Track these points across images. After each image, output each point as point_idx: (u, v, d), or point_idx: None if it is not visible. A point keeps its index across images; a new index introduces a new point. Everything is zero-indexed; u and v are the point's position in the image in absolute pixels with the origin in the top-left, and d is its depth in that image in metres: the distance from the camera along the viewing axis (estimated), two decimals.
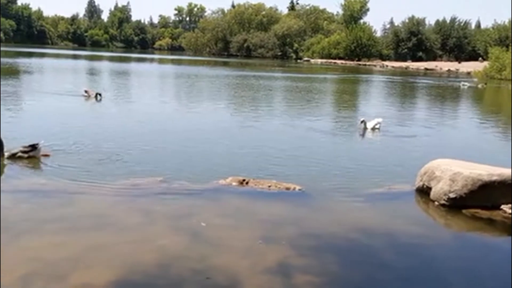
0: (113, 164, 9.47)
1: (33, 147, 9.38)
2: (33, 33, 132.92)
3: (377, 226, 6.97)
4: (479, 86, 41.98)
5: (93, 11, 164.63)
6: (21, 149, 9.34)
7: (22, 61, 47.89)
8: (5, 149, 9.31)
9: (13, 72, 33.97)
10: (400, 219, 7.35)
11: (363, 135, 14.30)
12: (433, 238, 6.76)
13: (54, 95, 20.61)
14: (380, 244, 6.35)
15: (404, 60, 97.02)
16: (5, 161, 9.14)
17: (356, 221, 7.09)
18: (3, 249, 5.47)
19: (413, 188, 8.60)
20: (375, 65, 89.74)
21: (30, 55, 64.88)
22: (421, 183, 8.38)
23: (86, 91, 19.54)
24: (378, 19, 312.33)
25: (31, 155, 9.33)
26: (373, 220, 7.21)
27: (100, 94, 19.14)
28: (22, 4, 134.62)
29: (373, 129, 14.59)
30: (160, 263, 5.38)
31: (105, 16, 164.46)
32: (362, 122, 14.65)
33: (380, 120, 14.91)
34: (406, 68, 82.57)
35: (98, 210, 6.96)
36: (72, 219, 6.59)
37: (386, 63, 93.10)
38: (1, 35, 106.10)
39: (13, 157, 9.24)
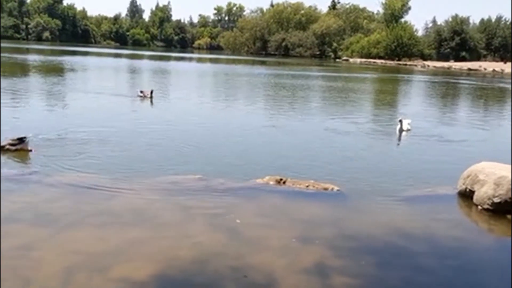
0: (153, 161, 9.68)
1: (21, 140, 9.67)
2: (77, 32, 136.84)
3: (417, 229, 6.83)
4: None
5: (135, 10, 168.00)
6: (10, 141, 9.62)
7: (73, 60, 49.42)
8: None
9: (65, 71, 35.11)
10: (441, 223, 7.18)
11: (399, 135, 14.01)
12: (475, 243, 6.57)
13: (113, 96, 20.97)
14: (419, 248, 6.22)
15: (447, 60, 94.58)
16: None
17: (395, 223, 6.97)
18: (47, 242, 5.68)
19: (455, 191, 8.38)
20: (416, 65, 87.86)
21: (83, 54, 66.86)
22: (463, 187, 8.16)
23: (141, 92, 19.75)
24: (419, 18, 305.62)
25: (18, 148, 9.60)
26: (413, 222, 7.07)
27: (152, 94, 19.37)
28: (67, 4, 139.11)
29: (407, 130, 14.21)
30: (198, 260, 5.44)
31: (146, 16, 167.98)
32: (399, 121, 14.36)
33: (409, 121, 14.51)
34: (448, 68, 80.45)
35: (137, 206, 7.10)
36: (113, 213, 6.76)
37: (427, 63, 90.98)
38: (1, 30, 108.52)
39: (1, 149, 9.50)
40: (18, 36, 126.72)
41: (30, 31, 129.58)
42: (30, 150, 9.69)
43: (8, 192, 7.27)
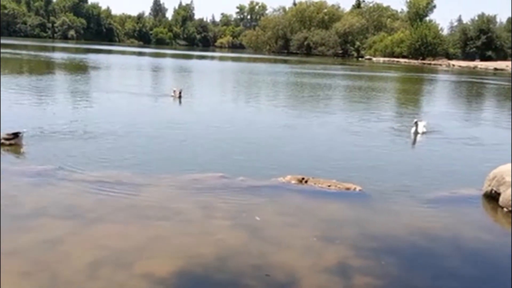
0: (176, 158, 9.80)
1: (16, 135, 9.86)
2: (102, 31, 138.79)
3: (441, 230, 6.75)
4: None
5: (158, 9, 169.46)
6: (5, 136, 9.81)
7: (101, 59, 50.17)
8: None
9: (94, 70, 35.67)
10: (466, 224, 7.08)
11: (414, 138, 13.55)
12: (501, 246, 6.45)
13: (142, 95, 21.12)
14: (444, 249, 6.15)
15: (472, 59, 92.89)
16: None
17: (418, 224, 6.90)
18: (73, 236, 5.79)
19: (480, 192, 8.24)
20: (440, 64, 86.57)
21: (108, 52, 67.78)
22: (489, 188, 8.02)
23: (174, 91, 19.70)
24: (445, 16, 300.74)
25: (12, 142, 9.80)
26: (437, 223, 6.98)
27: (181, 93, 19.35)
28: (92, 3, 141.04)
29: (423, 132, 13.76)
30: (220, 257, 5.48)
31: (169, 15, 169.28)
32: (415, 123, 13.83)
33: (424, 123, 14.05)
34: (474, 67, 79.03)
35: (160, 203, 7.17)
36: (136, 209, 6.85)
37: (452, 62, 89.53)
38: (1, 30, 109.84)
39: None
40: (45, 34, 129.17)
41: (56, 29, 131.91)
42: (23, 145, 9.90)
43: (34, 187, 7.45)
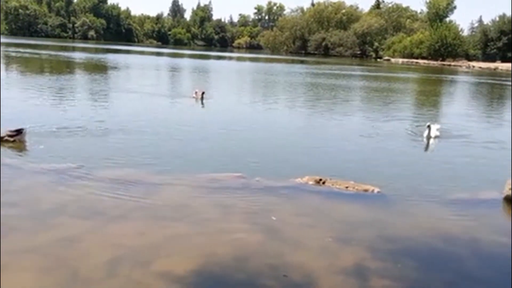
0: (195, 158, 9.86)
1: (19, 131, 10.01)
2: (121, 31, 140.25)
3: (460, 233, 6.66)
4: None
5: (176, 10, 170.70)
6: (8, 133, 9.95)
7: (123, 59, 50.72)
8: None
9: (110, 69, 36.05)
10: (485, 228, 6.97)
11: (427, 142, 13.10)
12: None
13: (164, 96, 21.25)
14: (462, 252, 6.07)
15: (493, 61, 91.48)
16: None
17: (438, 226, 6.82)
18: (92, 234, 5.87)
19: (501, 196, 8.11)
20: (460, 66, 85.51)
21: (127, 52, 68.50)
22: (510, 192, 7.89)
23: (196, 92, 19.68)
24: (465, 17, 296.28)
25: (16, 139, 9.95)
26: (456, 226, 6.89)
27: (203, 95, 19.25)
28: (112, 4, 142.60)
29: (436, 136, 13.25)
30: (237, 257, 5.49)
31: (187, 15, 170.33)
32: (428, 126, 13.37)
33: (438, 126, 13.59)
34: (494, 69, 77.82)
35: (178, 201, 7.22)
36: (154, 208, 6.90)
37: (472, 63, 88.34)
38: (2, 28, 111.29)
39: (0, 140, 9.85)
40: (65, 34, 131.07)
41: (76, 30, 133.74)
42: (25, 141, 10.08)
43: (54, 186, 7.56)
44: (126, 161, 9.19)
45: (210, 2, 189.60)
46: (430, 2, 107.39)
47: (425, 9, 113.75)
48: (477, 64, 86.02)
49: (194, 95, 19.44)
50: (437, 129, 13.45)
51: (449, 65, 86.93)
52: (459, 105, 26.25)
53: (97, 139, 11.10)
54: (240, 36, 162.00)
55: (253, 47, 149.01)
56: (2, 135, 9.97)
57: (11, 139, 9.97)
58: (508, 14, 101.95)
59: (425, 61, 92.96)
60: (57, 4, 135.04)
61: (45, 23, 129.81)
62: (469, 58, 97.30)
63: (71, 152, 9.63)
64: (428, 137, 13.22)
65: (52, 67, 35.95)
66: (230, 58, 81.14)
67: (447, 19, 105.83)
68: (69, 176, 7.99)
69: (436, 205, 7.68)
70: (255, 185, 8.07)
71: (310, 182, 8.29)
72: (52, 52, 55.20)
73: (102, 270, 4.99)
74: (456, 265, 5.74)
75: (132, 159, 9.40)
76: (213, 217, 6.72)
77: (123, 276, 4.90)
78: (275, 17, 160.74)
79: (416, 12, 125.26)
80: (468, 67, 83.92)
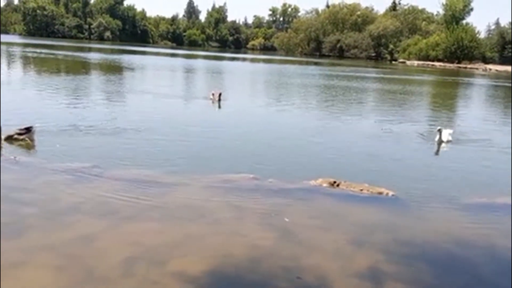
0: (209, 159, 9.89)
1: (28, 129, 10.15)
2: (136, 32, 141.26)
3: (477, 238, 6.60)
4: None
5: (191, 11, 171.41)
6: (17, 131, 10.09)
7: (139, 60, 51.13)
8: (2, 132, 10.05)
9: (125, 70, 36.33)
10: (502, 233, 6.88)
11: (438, 146, 12.83)
12: None
13: (181, 98, 21.42)
14: (479, 258, 6.01)
15: (510, 63, 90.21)
16: (4, 143, 9.93)
17: (453, 231, 6.77)
18: (108, 233, 5.93)
19: None
20: (477, 68, 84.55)
21: (142, 53, 69.04)
22: None
23: (213, 94, 19.63)
24: (482, 19, 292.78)
25: (25, 137, 10.09)
26: (472, 231, 6.82)
27: (220, 97, 19.20)
28: (127, 5, 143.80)
29: (447, 141, 12.94)
30: (251, 258, 5.51)
31: (202, 17, 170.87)
32: (438, 130, 13.04)
33: (450, 131, 13.27)
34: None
35: (193, 202, 7.26)
36: (169, 208, 6.95)
37: (489, 66, 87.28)
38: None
39: (10, 138, 10.02)
40: (81, 35, 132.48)
41: (93, 31, 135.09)
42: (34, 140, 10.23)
43: (71, 184, 7.65)
44: (142, 161, 9.27)
45: (225, 3, 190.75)
46: (446, 4, 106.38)
47: (441, 11, 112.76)
48: (494, 67, 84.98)
49: (211, 97, 19.44)
50: (450, 134, 13.16)
51: (465, 67, 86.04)
52: (475, 108, 25.97)
53: (112, 139, 11.21)
54: (254, 38, 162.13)
55: (267, 49, 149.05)
56: (11, 133, 10.12)
57: (21, 137, 10.12)
58: None
59: (441, 63, 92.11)
60: (74, 5, 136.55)
61: (62, 24, 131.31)
62: (485, 60, 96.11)
63: (86, 152, 9.74)
64: (439, 142, 12.96)
65: (68, 67, 36.37)
66: (244, 59, 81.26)
67: (464, 21, 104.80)
68: (85, 175, 8.08)
69: (451, 210, 7.61)
70: (268, 187, 8.08)
71: (324, 185, 8.28)
72: (69, 53, 55.82)
73: (118, 269, 5.04)
74: (471, 270, 5.69)
75: (147, 159, 9.48)
76: (227, 218, 6.75)
77: (139, 275, 4.94)
78: (290, 19, 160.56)
79: (432, 14, 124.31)
80: (485, 70, 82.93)
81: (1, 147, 9.67)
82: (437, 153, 12.58)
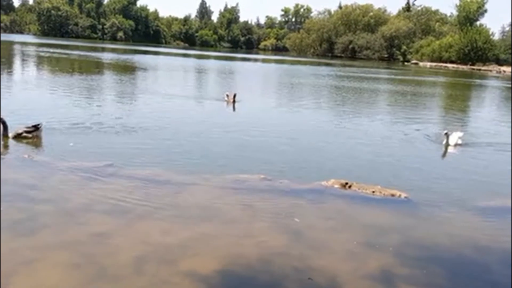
0: (221, 159, 9.90)
1: (36, 127, 10.24)
2: (149, 33, 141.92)
3: (491, 242, 6.52)
4: None
5: (204, 12, 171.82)
6: (25, 129, 10.17)
7: (153, 60, 51.42)
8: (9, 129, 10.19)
9: (138, 70, 36.52)
10: None
11: (445, 150, 12.59)
12: None
13: (195, 99, 21.26)
14: (493, 262, 5.94)
15: None
16: (12, 140, 10.06)
17: (467, 234, 6.70)
18: (120, 231, 5.96)
19: None
20: (490, 70, 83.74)
21: (155, 53, 69.41)
22: None
23: (227, 95, 19.62)
24: (496, 21, 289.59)
25: (34, 135, 10.19)
26: (487, 235, 6.75)
27: (234, 98, 19.17)
28: (140, 5, 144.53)
29: (456, 144, 12.68)
30: (262, 258, 5.50)
31: (215, 17, 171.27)
32: (445, 134, 12.77)
33: (460, 134, 13.03)
34: None
35: (204, 202, 7.28)
36: (180, 208, 6.98)
37: (503, 68, 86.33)
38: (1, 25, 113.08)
39: (18, 136, 10.12)
40: (95, 35, 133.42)
41: (106, 31, 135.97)
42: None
43: (84, 183, 7.71)
44: (154, 161, 9.32)
45: (237, 4, 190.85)
46: (460, 5, 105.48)
47: (455, 13, 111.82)
48: (508, 69, 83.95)
49: (226, 98, 19.44)
50: (460, 137, 12.91)
51: (479, 69, 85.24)
52: (489, 110, 25.70)
53: (125, 138, 11.27)
54: (266, 38, 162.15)
55: (279, 49, 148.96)
56: (19, 131, 10.21)
57: (29, 135, 10.22)
58: None
59: (454, 65, 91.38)
60: (88, 6, 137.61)
61: (76, 24, 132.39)
62: (499, 62, 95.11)
63: (100, 150, 9.81)
64: (446, 145, 12.72)
65: (81, 67, 36.67)
66: (256, 60, 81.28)
67: (478, 23, 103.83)
68: (99, 174, 8.13)
69: (464, 212, 7.54)
70: (279, 187, 8.07)
71: (336, 186, 8.24)
72: (82, 53, 56.28)
73: (129, 267, 5.06)
74: (484, 274, 5.63)
75: (160, 159, 9.52)
76: (238, 218, 6.75)
77: (150, 274, 4.96)
78: (302, 20, 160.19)
79: (445, 15, 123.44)
80: (499, 71, 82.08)
81: (3, 145, 9.81)
82: (443, 155, 12.41)
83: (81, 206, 6.74)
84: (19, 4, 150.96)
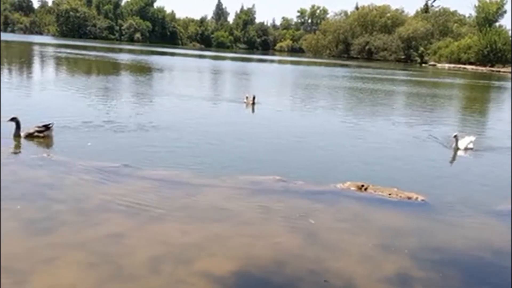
0: (237, 160, 9.93)
1: (47, 127, 10.36)
2: (166, 34, 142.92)
3: (508, 246, 6.41)
4: None
5: (220, 13, 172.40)
6: (36, 129, 10.29)
7: (165, 61, 51.76)
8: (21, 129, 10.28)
9: (155, 71, 36.75)
10: None
11: (454, 154, 12.40)
12: None
13: (215, 101, 21.27)
14: (508, 265, 5.83)
15: None
16: (24, 140, 10.17)
17: (484, 238, 6.61)
18: (136, 231, 6.01)
19: None
20: (510, 72, 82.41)
21: (172, 54, 69.88)
22: None
23: (247, 97, 19.58)
24: None
25: (45, 134, 10.32)
26: (504, 238, 6.65)
27: (254, 100, 19.03)
28: (157, 7, 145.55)
29: (466, 149, 12.43)
30: (277, 260, 5.50)
31: (231, 19, 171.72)
32: (454, 137, 12.54)
33: (472, 138, 12.74)
34: None
35: (219, 203, 7.29)
36: (196, 208, 7.00)
37: None
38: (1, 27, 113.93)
39: (30, 136, 10.24)
40: (112, 37, 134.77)
41: (123, 32, 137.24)
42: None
43: (101, 183, 7.78)
44: (170, 161, 9.38)
45: (253, 5, 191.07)
46: (479, 6, 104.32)
47: (473, 14, 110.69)
48: None
49: (245, 100, 19.45)
50: (471, 141, 12.61)
51: (498, 71, 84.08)
52: (508, 113, 25.28)
53: (142, 138, 11.36)
54: (282, 40, 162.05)
55: (295, 51, 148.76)
56: (31, 131, 10.34)
57: (41, 134, 10.36)
58: None
59: (473, 66, 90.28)
60: (106, 7, 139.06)
61: (94, 25, 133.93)
62: None
63: (116, 151, 9.91)
64: (456, 149, 12.49)
65: (98, 67, 37.07)
66: (272, 61, 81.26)
67: (497, 24, 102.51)
68: (115, 174, 8.21)
69: (481, 216, 7.45)
70: (295, 189, 8.06)
71: (352, 188, 8.20)
72: (100, 53, 56.88)
73: (146, 267, 5.10)
74: (502, 278, 5.54)
75: (176, 160, 9.58)
76: (253, 219, 6.76)
77: (166, 274, 4.99)
78: (318, 21, 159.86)
79: (464, 16, 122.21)
80: None
81: (16, 145, 9.95)
82: (453, 159, 12.19)
83: (98, 206, 6.81)
84: (38, 5, 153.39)
